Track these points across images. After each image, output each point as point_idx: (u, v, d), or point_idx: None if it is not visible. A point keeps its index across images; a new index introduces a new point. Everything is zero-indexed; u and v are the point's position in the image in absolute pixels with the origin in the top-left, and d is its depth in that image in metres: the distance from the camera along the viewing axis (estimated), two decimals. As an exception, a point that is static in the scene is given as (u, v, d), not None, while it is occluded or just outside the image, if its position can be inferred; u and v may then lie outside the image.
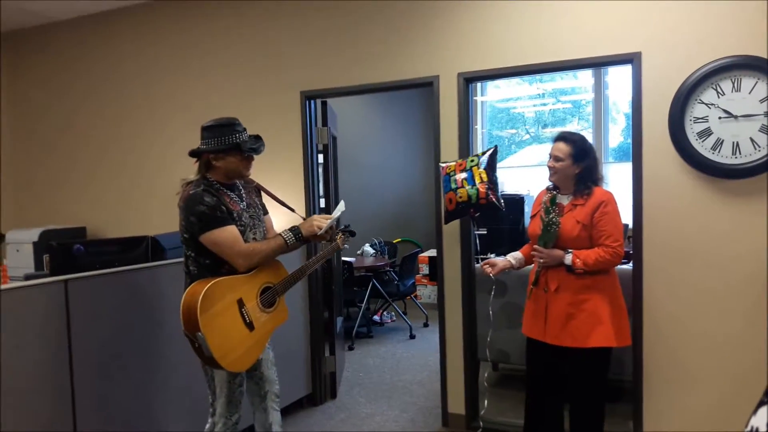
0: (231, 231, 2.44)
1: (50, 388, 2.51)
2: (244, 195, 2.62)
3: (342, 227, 2.91)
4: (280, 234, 2.61)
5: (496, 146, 3.27)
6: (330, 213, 4.27)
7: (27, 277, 3.07)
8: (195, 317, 2.27)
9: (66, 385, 2.56)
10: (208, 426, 2.64)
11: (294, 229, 2.61)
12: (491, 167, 3.20)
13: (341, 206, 2.82)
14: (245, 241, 2.50)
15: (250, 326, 2.47)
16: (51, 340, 2.52)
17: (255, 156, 2.58)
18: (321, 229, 2.61)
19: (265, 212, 2.76)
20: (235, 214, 2.49)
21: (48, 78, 5.30)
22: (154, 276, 3.00)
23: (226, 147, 2.47)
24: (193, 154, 2.54)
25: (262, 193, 2.80)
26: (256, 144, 2.55)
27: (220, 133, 2.47)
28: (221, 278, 2.41)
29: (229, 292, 2.41)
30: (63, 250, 2.91)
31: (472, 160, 3.25)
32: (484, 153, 3.27)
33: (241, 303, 2.45)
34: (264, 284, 2.57)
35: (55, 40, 5.22)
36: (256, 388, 2.74)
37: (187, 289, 2.39)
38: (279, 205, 2.84)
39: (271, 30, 4.20)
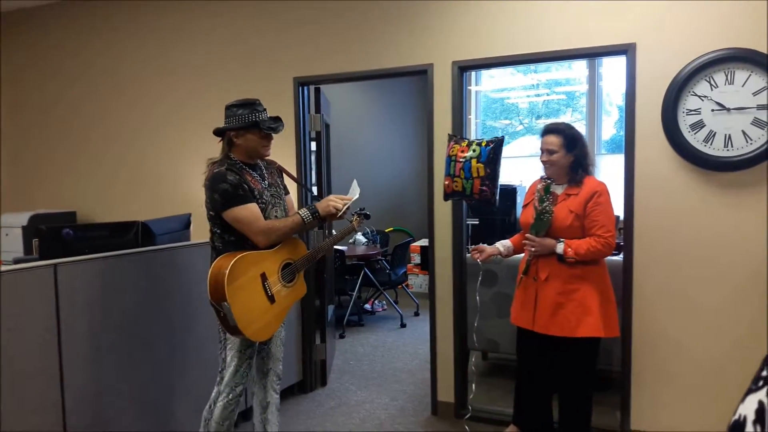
0: (251, 209, 2.55)
1: (39, 373, 2.50)
2: (266, 174, 2.75)
3: (357, 210, 2.94)
4: (297, 212, 2.70)
5: (503, 137, 3.12)
6: (323, 198, 4.26)
7: (16, 261, 3.05)
8: (222, 288, 2.41)
9: (55, 370, 2.55)
10: (213, 394, 2.72)
11: (311, 208, 2.71)
12: (493, 161, 3.08)
13: (356, 187, 2.87)
14: (267, 218, 2.62)
15: (271, 299, 2.61)
16: (40, 324, 2.50)
17: (273, 135, 2.69)
18: (337, 209, 2.69)
19: (287, 192, 2.89)
20: (256, 192, 2.61)
21: (37, 63, 5.24)
22: (144, 261, 2.99)
23: (246, 125, 2.59)
24: (217, 132, 2.68)
25: (284, 175, 2.93)
26: (275, 124, 2.67)
27: (241, 112, 2.60)
28: (246, 253, 2.54)
29: (253, 266, 2.55)
30: (52, 234, 2.88)
31: (474, 150, 3.11)
32: (488, 143, 3.11)
33: (264, 277, 2.59)
34: (285, 260, 2.69)
35: (44, 25, 5.16)
36: (261, 364, 2.84)
37: (214, 263, 2.52)
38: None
39: (264, 16, 4.17)
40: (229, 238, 2.59)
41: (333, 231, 4.48)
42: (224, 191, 2.51)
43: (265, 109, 2.67)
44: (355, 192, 2.83)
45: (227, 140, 2.65)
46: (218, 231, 2.62)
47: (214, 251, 2.64)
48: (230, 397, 2.67)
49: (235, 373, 2.66)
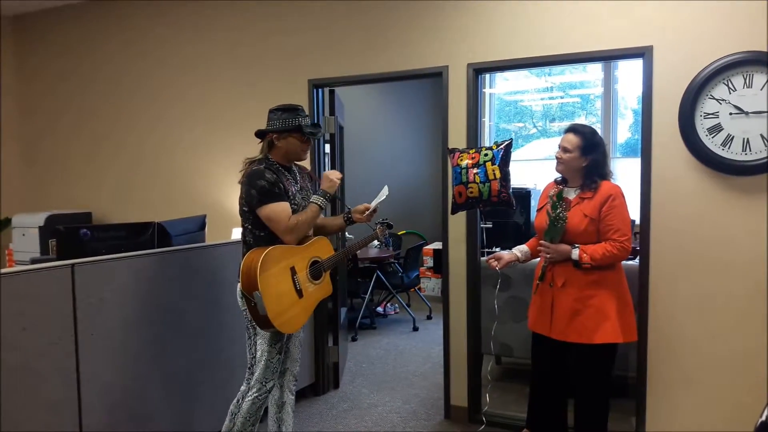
0: (285, 207, 2.66)
1: (56, 373, 2.51)
2: (298, 178, 2.87)
3: (380, 220, 3.07)
4: (311, 201, 2.79)
5: (511, 139, 3.18)
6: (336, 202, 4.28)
7: (33, 261, 3.08)
8: (254, 277, 2.51)
9: (71, 370, 2.57)
10: (242, 389, 2.79)
11: (319, 192, 2.80)
12: (505, 161, 3.10)
13: (385, 191, 2.98)
14: None
15: (299, 293, 2.71)
16: (57, 324, 2.52)
17: (312, 140, 2.82)
18: (337, 178, 2.81)
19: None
20: (290, 193, 2.73)
21: (51, 65, 5.31)
22: (161, 262, 3.00)
23: (290, 128, 2.72)
24: (259, 133, 2.80)
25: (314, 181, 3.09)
26: (315, 129, 2.80)
27: (285, 116, 2.73)
28: (278, 245, 2.65)
29: (284, 259, 2.66)
30: (70, 234, 2.91)
31: (486, 154, 3.13)
32: (498, 146, 3.14)
33: (293, 270, 2.69)
34: (313, 258, 2.82)
35: (60, 25, 5.22)
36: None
37: (246, 255, 2.63)
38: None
39: (278, 18, 4.19)
40: (260, 233, 2.70)
41: (347, 235, 4.51)
42: (261, 188, 2.61)
43: (307, 115, 2.80)
44: (381, 196, 2.95)
45: (268, 142, 2.77)
46: (249, 227, 2.72)
47: (245, 246, 2.74)
48: (260, 392, 2.73)
49: (266, 369, 2.72)
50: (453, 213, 3.35)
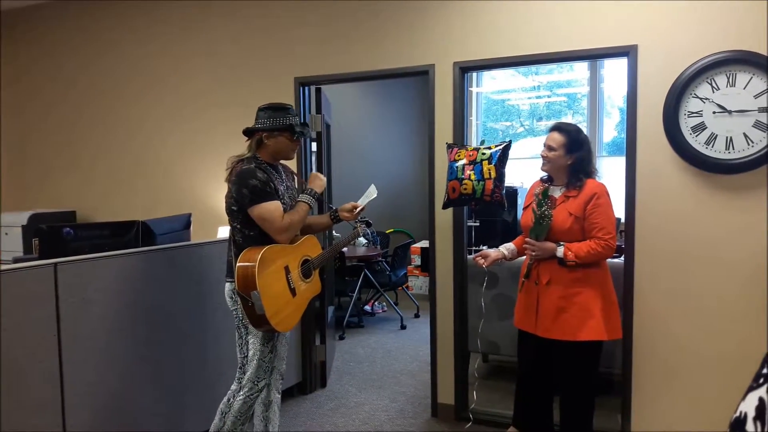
0: (277, 206, 2.64)
1: (39, 373, 2.49)
2: (284, 177, 2.85)
3: (360, 218, 3.10)
4: (299, 200, 2.80)
5: (510, 141, 3.21)
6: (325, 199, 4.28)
7: (16, 261, 3.04)
8: (253, 276, 2.50)
9: (55, 370, 2.54)
10: (233, 387, 2.78)
11: (308, 191, 2.82)
12: (501, 162, 3.14)
13: (373, 190, 3.02)
14: None
15: (293, 292, 2.72)
16: (40, 324, 2.49)
17: (300, 140, 2.83)
18: (324, 180, 2.88)
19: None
20: (280, 193, 2.71)
21: (38, 62, 5.24)
22: (145, 261, 2.98)
23: (281, 127, 2.70)
24: (248, 131, 2.77)
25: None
26: (305, 129, 2.80)
27: (276, 115, 2.71)
28: (273, 245, 2.63)
29: (279, 258, 2.67)
30: (53, 233, 2.88)
31: (483, 154, 3.16)
32: (497, 146, 3.18)
33: (287, 270, 2.70)
34: (304, 256, 2.83)
35: (45, 24, 5.16)
36: None
37: (242, 254, 2.59)
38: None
39: (265, 16, 4.16)
40: (249, 232, 2.67)
41: (333, 232, 4.50)
42: (254, 187, 2.58)
43: (297, 115, 2.81)
44: (370, 195, 3.00)
45: (256, 140, 2.74)
46: (238, 226, 2.68)
47: (235, 246, 2.70)
48: (252, 391, 2.72)
49: (259, 368, 2.71)
50: (444, 208, 3.37)
